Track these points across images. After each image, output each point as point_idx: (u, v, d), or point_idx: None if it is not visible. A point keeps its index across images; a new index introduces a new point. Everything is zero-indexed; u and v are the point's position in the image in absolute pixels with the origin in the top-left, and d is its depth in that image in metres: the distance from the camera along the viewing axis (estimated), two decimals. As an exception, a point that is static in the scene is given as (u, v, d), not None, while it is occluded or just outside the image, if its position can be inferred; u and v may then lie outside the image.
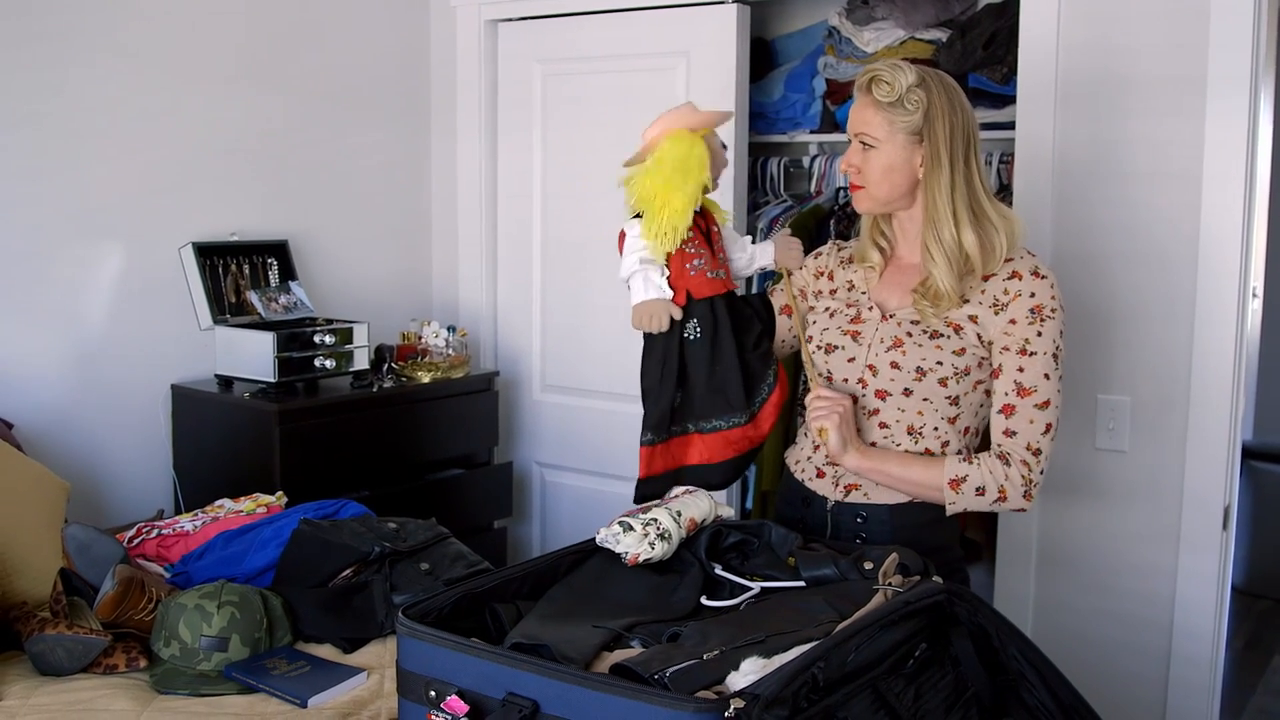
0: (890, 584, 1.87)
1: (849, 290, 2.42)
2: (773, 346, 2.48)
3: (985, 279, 2.25)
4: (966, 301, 2.25)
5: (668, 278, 2.33)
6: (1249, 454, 5.15)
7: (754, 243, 2.53)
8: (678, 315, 2.33)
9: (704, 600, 1.98)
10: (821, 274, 2.49)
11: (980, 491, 2.20)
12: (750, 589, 2.01)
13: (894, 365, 2.26)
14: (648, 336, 2.38)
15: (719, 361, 2.34)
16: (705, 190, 2.35)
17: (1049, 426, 2.20)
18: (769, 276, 2.54)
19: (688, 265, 2.33)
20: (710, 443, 2.37)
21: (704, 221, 2.39)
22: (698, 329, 2.34)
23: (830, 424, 2.24)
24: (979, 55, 3.64)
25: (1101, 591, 3.06)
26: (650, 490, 2.36)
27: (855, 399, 2.30)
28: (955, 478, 2.20)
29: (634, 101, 3.82)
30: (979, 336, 2.23)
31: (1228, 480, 2.89)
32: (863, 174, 2.28)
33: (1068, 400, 2.93)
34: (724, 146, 2.41)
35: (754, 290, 3.65)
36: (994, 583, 3.23)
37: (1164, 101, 2.89)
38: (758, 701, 1.45)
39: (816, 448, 2.36)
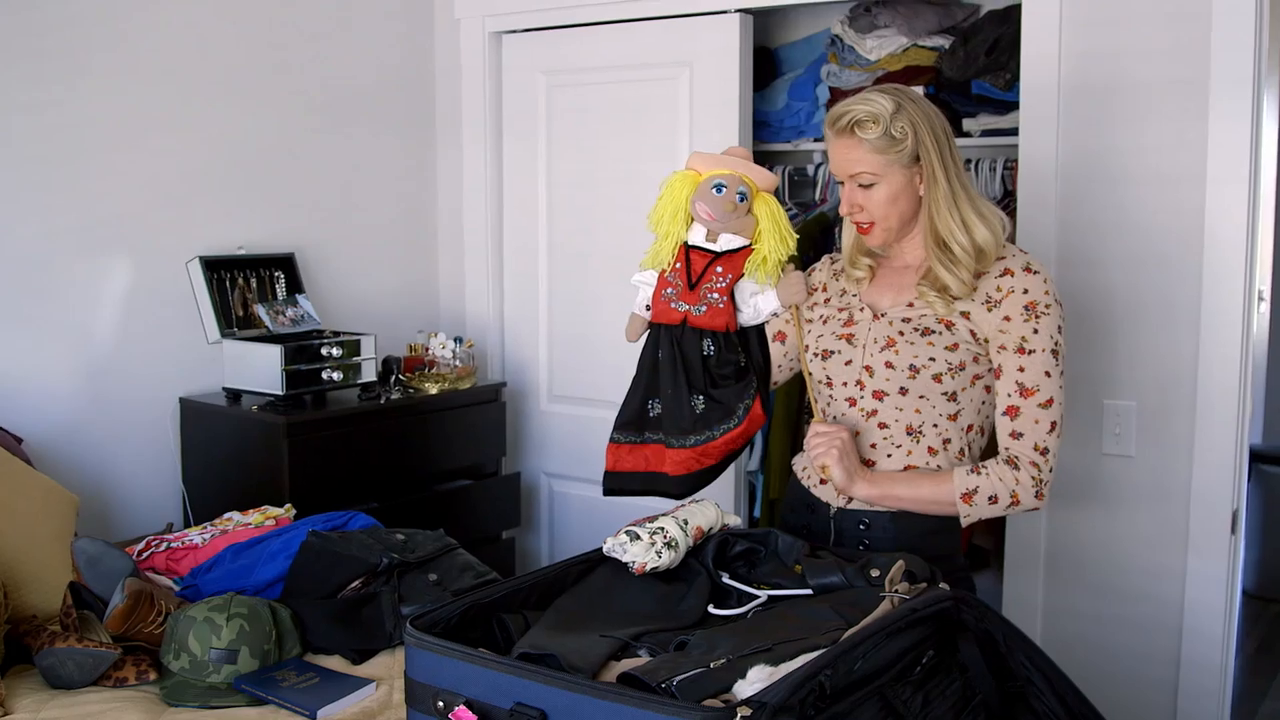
0: (897, 591, 1.87)
1: (841, 296, 2.43)
2: (766, 379, 2.46)
3: (977, 275, 2.24)
4: (957, 298, 2.25)
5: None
6: (1257, 457, 5.15)
7: (754, 293, 2.47)
8: (642, 330, 2.44)
9: (711, 609, 1.99)
10: (815, 289, 2.49)
11: (993, 500, 2.20)
12: (757, 597, 2.02)
13: (888, 365, 2.26)
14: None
15: (674, 386, 2.40)
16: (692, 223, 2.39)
17: (1054, 425, 2.21)
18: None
19: (661, 291, 2.40)
20: (671, 456, 2.41)
21: (708, 261, 2.39)
22: (659, 350, 2.43)
23: (830, 460, 2.25)
24: (981, 62, 3.64)
25: (1110, 597, 3.05)
26: (615, 484, 2.46)
27: (855, 431, 2.32)
28: (966, 491, 2.20)
29: (638, 112, 3.83)
30: (972, 333, 2.23)
31: (1235, 484, 2.89)
32: (867, 210, 2.26)
33: (1073, 405, 2.94)
34: (719, 189, 2.35)
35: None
36: (1002, 589, 3.23)
37: (1167, 105, 2.89)
38: (765, 709, 1.45)
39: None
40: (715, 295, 2.41)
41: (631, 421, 2.44)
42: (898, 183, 2.23)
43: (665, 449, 2.41)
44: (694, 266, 2.38)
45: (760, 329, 2.52)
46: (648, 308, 2.42)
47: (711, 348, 2.41)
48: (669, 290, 2.38)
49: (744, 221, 2.35)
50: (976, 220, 2.23)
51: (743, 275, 2.40)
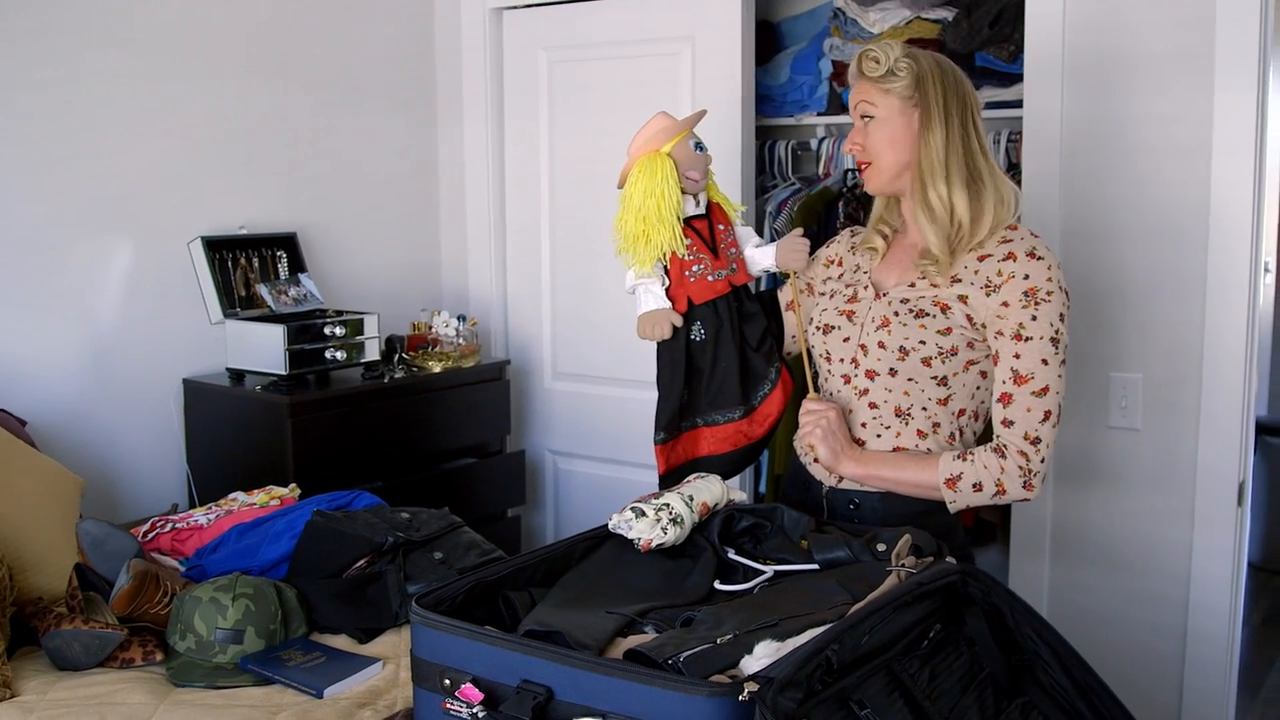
0: (903, 565, 1.87)
1: (855, 271, 2.42)
2: (780, 344, 2.51)
3: (980, 259, 2.21)
4: (958, 280, 2.22)
5: (668, 287, 2.41)
6: (1263, 429, 5.14)
7: (758, 245, 2.52)
8: (678, 323, 2.41)
9: (717, 584, 1.98)
10: (831, 262, 2.49)
11: (978, 488, 2.17)
12: (763, 572, 2.01)
13: (880, 345, 2.25)
14: (659, 342, 2.44)
15: (720, 360, 2.41)
16: (684, 195, 2.41)
17: (1048, 414, 2.15)
18: (782, 279, 2.62)
19: (686, 273, 2.39)
20: (714, 435, 2.44)
21: (708, 221, 2.44)
22: (702, 330, 2.41)
23: (815, 438, 2.26)
24: (985, 34, 3.63)
25: (1116, 570, 3.05)
26: (673, 484, 2.39)
27: (846, 409, 2.32)
28: (950, 476, 2.19)
29: (640, 87, 3.81)
30: (969, 318, 2.20)
31: (1242, 456, 2.88)
32: (866, 149, 2.28)
33: (1080, 379, 2.93)
34: (700, 148, 2.43)
35: (764, 288, 3.65)
36: (1008, 563, 3.23)
37: (1172, 76, 2.87)
38: (772, 684, 1.45)
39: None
40: (733, 251, 2.46)
41: (674, 418, 2.44)
42: (895, 120, 2.24)
43: (700, 431, 2.43)
44: (704, 234, 2.39)
45: (771, 294, 2.53)
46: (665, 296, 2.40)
47: (746, 308, 2.45)
48: (697, 268, 2.38)
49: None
50: (961, 188, 2.21)
51: (732, 222, 2.47)
